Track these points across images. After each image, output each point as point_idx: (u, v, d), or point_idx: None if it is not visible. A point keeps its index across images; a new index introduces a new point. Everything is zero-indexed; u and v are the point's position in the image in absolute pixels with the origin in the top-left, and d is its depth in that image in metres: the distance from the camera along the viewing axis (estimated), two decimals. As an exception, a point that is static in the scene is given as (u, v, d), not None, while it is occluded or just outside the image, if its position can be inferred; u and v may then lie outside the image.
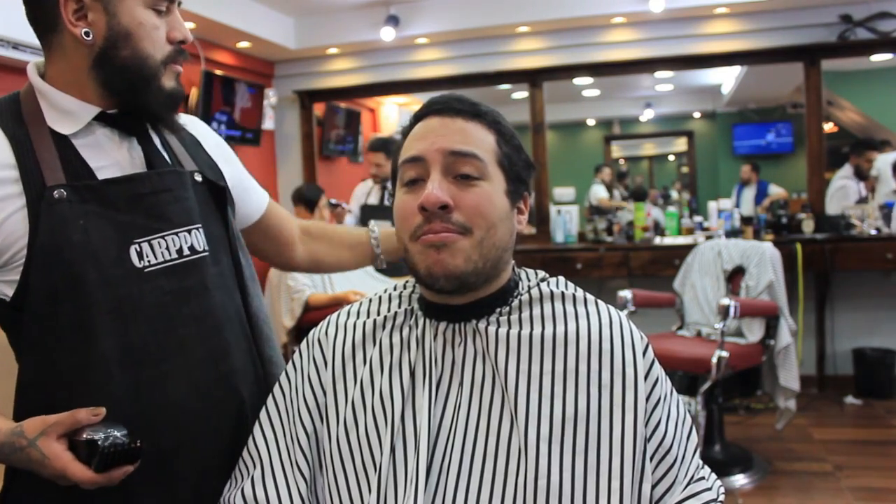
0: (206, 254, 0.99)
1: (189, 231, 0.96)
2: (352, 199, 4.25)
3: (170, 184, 0.96)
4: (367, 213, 3.96)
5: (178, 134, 1.04)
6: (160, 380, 0.92)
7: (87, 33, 0.88)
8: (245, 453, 0.95)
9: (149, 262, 0.92)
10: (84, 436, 0.82)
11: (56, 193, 0.86)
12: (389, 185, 4.22)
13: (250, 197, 1.20)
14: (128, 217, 0.91)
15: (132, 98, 0.93)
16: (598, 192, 5.92)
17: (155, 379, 0.91)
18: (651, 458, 0.84)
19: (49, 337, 0.88)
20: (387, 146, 3.97)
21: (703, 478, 0.87)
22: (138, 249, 0.91)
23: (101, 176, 0.92)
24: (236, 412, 0.99)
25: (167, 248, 0.94)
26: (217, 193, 1.04)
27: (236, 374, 1.00)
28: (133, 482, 0.87)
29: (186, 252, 0.96)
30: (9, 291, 0.89)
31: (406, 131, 0.94)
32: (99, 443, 0.80)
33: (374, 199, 4.12)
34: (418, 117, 0.92)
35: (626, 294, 3.19)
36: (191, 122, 1.11)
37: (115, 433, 0.82)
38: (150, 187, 0.93)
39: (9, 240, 0.87)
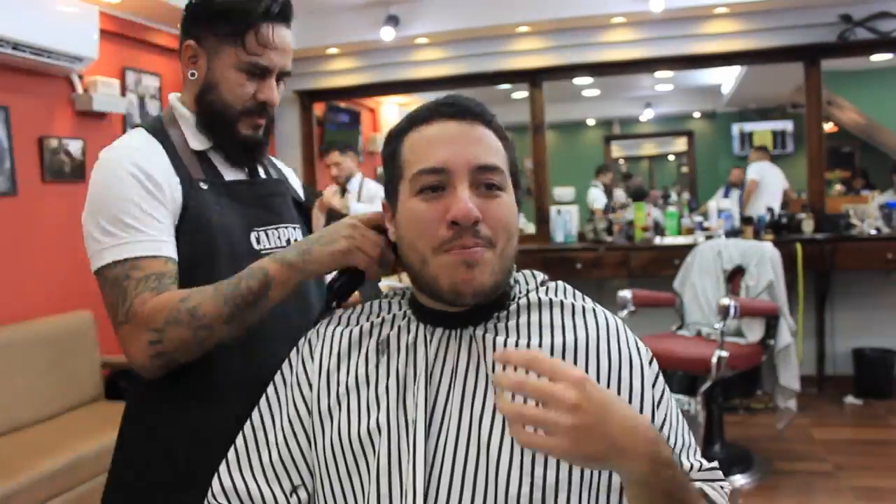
0: None
1: (292, 227, 1.22)
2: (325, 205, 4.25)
3: (281, 190, 1.24)
4: (335, 219, 3.97)
5: (274, 167, 1.30)
6: (265, 339, 1.09)
7: (192, 74, 1.14)
8: (240, 443, 0.94)
9: (264, 246, 1.15)
10: None
11: (201, 184, 1.11)
12: (350, 186, 4.24)
13: None
14: (250, 210, 1.16)
15: (213, 135, 1.15)
16: (596, 199, 5.62)
17: (261, 339, 1.09)
18: None
19: None
20: (336, 143, 4.08)
21: (714, 467, 0.86)
22: (257, 236, 1.15)
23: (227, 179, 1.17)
24: None
25: (278, 237, 1.18)
26: (300, 208, 1.30)
27: None
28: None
29: (292, 242, 1.18)
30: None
31: (402, 130, 0.90)
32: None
33: (338, 203, 4.17)
34: (426, 118, 0.88)
35: (625, 294, 3.18)
36: (280, 165, 1.35)
37: None
38: (267, 190, 1.21)
39: (176, 209, 1.09)
